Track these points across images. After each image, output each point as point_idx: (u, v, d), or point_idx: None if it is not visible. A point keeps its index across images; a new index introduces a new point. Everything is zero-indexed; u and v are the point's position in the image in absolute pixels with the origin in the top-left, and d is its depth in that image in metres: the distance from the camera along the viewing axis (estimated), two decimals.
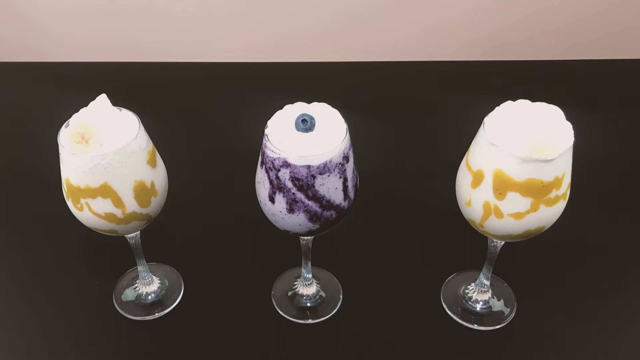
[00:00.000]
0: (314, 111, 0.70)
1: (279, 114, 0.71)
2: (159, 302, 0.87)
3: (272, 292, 0.88)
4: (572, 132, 0.69)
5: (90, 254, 0.93)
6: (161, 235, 0.95)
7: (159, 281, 0.89)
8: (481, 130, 0.71)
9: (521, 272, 0.90)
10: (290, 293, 0.88)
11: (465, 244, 0.93)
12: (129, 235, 0.81)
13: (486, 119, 0.71)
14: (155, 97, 1.25)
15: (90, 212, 0.72)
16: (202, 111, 1.22)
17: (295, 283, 0.89)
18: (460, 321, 0.84)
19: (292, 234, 0.75)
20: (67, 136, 0.69)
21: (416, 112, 1.21)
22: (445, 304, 0.86)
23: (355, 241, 0.95)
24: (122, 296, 0.87)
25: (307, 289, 0.88)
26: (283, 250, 0.93)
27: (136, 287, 0.88)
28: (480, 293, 0.86)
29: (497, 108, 0.71)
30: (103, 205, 0.71)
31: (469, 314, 0.85)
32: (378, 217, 0.99)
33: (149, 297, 0.87)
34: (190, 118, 1.20)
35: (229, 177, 1.07)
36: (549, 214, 0.71)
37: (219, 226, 0.98)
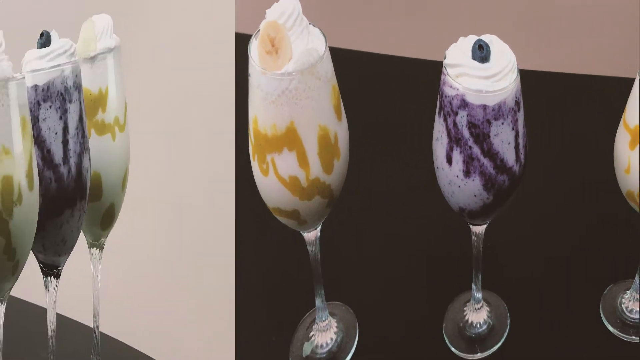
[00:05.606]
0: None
1: (454, 45, 0.61)
2: (333, 356, 0.72)
3: (444, 325, 0.75)
4: None
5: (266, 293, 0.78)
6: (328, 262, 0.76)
7: (336, 324, 0.74)
8: (637, 80, 0.62)
9: None
10: (461, 324, 0.75)
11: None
12: (310, 237, 0.69)
13: None
14: None
15: (275, 176, 0.60)
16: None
17: (465, 309, 0.76)
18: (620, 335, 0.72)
19: (466, 215, 0.63)
20: (257, 45, 0.55)
21: None
22: (605, 317, 0.74)
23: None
24: (299, 353, 0.73)
25: (476, 315, 0.74)
26: (452, 270, 0.80)
27: (313, 337, 0.73)
28: (636, 301, 0.73)
29: None
30: (288, 163, 0.59)
31: (627, 326, 0.73)
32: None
33: (324, 350, 0.72)
34: None
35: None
36: None
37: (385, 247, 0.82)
